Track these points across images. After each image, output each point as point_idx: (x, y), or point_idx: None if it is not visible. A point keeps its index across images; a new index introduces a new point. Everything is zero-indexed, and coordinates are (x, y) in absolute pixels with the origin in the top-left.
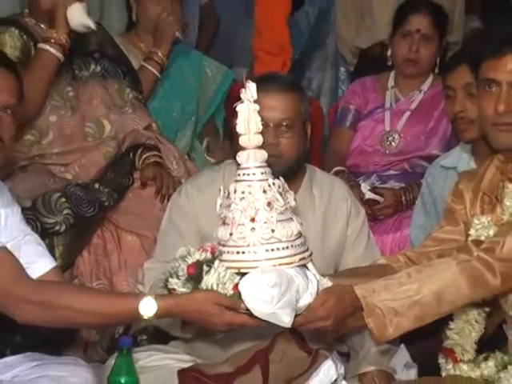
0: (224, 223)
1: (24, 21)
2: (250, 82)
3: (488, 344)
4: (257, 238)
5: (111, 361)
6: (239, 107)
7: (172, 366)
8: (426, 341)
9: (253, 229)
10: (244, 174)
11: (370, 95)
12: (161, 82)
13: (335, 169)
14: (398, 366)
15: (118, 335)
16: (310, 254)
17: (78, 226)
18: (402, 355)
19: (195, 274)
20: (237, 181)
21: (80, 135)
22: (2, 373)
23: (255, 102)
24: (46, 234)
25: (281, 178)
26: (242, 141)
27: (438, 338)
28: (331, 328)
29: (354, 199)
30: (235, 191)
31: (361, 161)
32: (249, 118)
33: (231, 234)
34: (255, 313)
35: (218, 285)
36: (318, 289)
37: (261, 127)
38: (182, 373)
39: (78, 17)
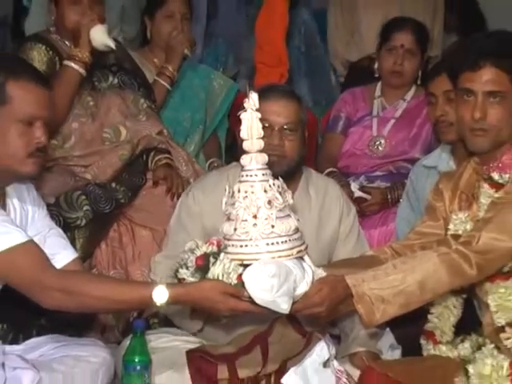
0: (229, 219)
1: (50, 37)
2: (253, 92)
3: (464, 327)
4: (258, 232)
5: (126, 342)
6: (243, 115)
7: (181, 347)
8: (408, 325)
9: (255, 224)
10: (247, 175)
11: (359, 104)
12: (172, 93)
13: (328, 170)
14: (384, 347)
15: (132, 319)
16: (306, 247)
17: (97, 221)
18: (388, 338)
19: (203, 265)
20: (240, 181)
21: (98, 140)
22: (29, 352)
23: (259, 109)
24: (68, 228)
25: (280, 179)
26: (245, 145)
27: (419, 323)
28: (325, 313)
29: (345, 198)
30: (239, 190)
31: (351, 163)
32: (251, 125)
33: (235, 229)
34: (257, 300)
35: (223, 275)
36: (313, 278)
37: (262, 133)
38: (189, 353)
39: (99, 37)
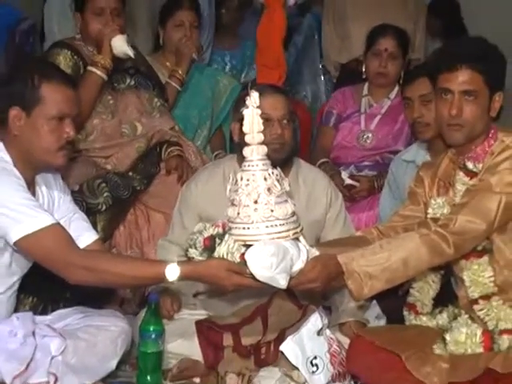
0: (232, 204)
1: (75, 44)
2: (254, 91)
3: (442, 300)
4: (259, 216)
5: (142, 313)
6: (245, 111)
7: (190, 317)
8: (392, 298)
9: (256, 209)
10: (249, 165)
11: (349, 102)
12: (181, 94)
13: (321, 160)
14: (370, 317)
15: (147, 293)
16: (302, 229)
17: (116, 206)
18: (374, 309)
19: (209, 246)
20: (243, 170)
21: (117, 134)
22: (56, 322)
23: (260, 105)
24: (90, 213)
25: (278, 168)
26: (247, 138)
27: (402, 296)
28: (318, 288)
29: (333, 188)
30: (242, 179)
31: (341, 154)
32: (253, 121)
33: (238, 213)
34: (258, 277)
35: (227, 254)
36: (307, 257)
37: (262, 127)
38: (198, 323)
39: (120, 46)
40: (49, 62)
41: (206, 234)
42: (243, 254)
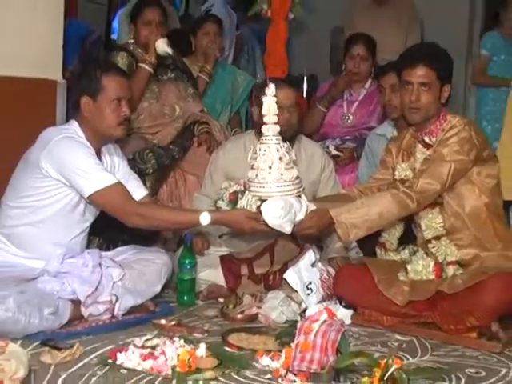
0: (252, 168)
1: (129, 46)
2: (271, 84)
3: (405, 240)
4: (272, 178)
5: (180, 250)
6: (264, 98)
7: (216, 253)
8: (367, 240)
9: (269, 172)
10: (266, 140)
11: None
12: (209, 86)
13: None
14: (351, 254)
15: (184, 235)
16: (303, 189)
17: (160, 170)
18: (355, 248)
19: (233, 199)
20: (261, 143)
21: (161, 115)
22: (117, 256)
23: (276, 95)
24: (140, 175)
25: (287, 142)
26: (265, 119)
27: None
28: (314, 234)
29: (326, 156)
30: (260, 149)
31: (329, 130)
32: (270, 106)
33: (256, 175)
34: (269, 224)
35: (247, 206)
36: (307, 210)
37: (277, 111)
38: (222, 257)
39: (162, 47)
40: (105, 59)
41: (230, 190)
42: (259, 207)
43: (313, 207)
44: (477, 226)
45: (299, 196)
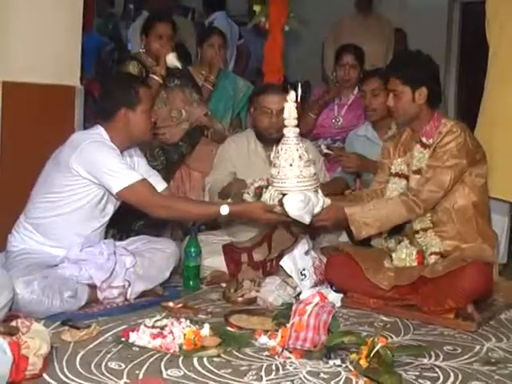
0: (274, 166)
1: (140, 56)
2: (293, 91)
3: (391, 231)
4: (292, 174)
5: (186, 239)
6: (286, 104)
7: (219, 242)
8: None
9: (290, 169)
10: (287, 140)
11: None
12: (213, 92)
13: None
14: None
15: (190, 225)
16: (320, 185)
17: (168, 167)
18: (344, 238)
19: (258, 193)
20: (283, 143)
21: (169, 118)
22: (129, 245)
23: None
24: None
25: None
26: (286, 122)
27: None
28: (329, 226)
29: (317, 153)
30: (281, 149)
31: (321, 131)
32: (290, 110)
33: (278, 172)
34: (290, 215)
35: (270, 199)
36: (323, 204)
37: (296, 115)
38: (224, 246)
39: (171, 60)
40: (134, 75)
41: (256, 185)
42: (280, 200)
43: (328, 201)
44: (462, 221)
45: (316, 191)
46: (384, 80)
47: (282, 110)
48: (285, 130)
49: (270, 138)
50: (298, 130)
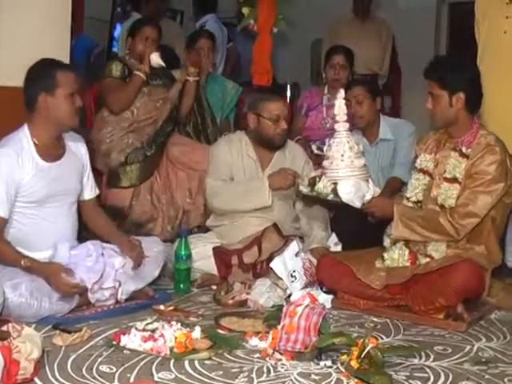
0: (327, 158)
1: (124, 58)
2: (341, 91)
3: None
4: (344, 164)
5: (176, 242)
6: (336, 101)
7: (209, 245)
8: (345, 230)
9: (342, 160)
10: (338, 134)
11: (315, 98)
12: (202, 95)
13: (296, 138)
14: (331, 244)
15: (180, 228)
16: (370, 175)
17: (158, 150)
18: (333, 238)
19: (312, 183)
20: (334, 137)
21: (154, 108)
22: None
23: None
24: (145, 160)
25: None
26: (337, 118)
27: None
28: (376, 214)
29: (306, 155)
30: (333, 142)
31: (310, 133)
32: (340, 107)
33: (331, 163)
34: (343, 199)
35: (323, 188)
36: (373, 192)
37: (346, 111)
38: (214, 249)
39: (155, 59)
40: (55, 60)
41: (309, 176)
42: (333, 189)
43: (378, 190)
44: (476, 232)
45: (367, 180)
46: (367, 88)
47: (287, 115)
48: (336, 126)
49: (272, 145)
50: (347, 124)
